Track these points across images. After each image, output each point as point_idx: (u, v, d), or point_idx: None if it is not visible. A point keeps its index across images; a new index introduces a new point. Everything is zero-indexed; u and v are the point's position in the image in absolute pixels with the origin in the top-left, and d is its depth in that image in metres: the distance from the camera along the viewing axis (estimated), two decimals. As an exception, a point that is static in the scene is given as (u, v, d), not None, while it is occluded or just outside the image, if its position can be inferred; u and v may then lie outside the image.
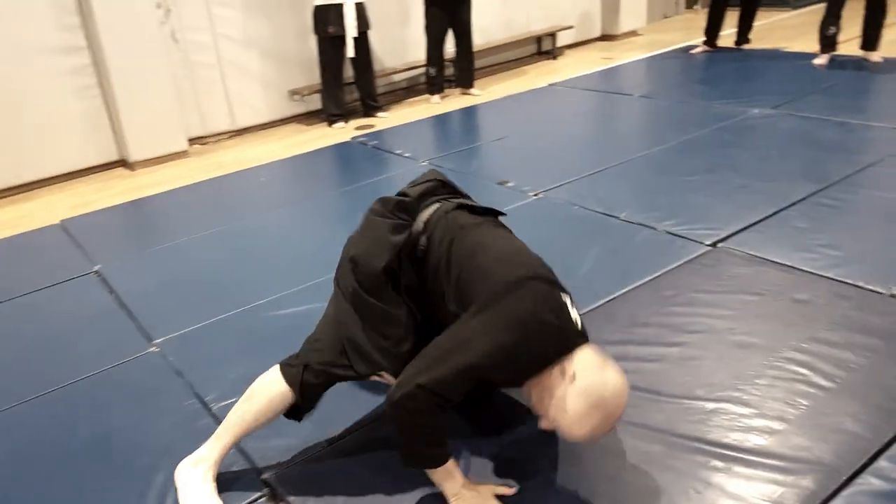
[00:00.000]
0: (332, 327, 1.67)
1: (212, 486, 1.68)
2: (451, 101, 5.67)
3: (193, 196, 4.12)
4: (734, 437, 1.69)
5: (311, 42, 5.39)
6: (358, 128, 5.20)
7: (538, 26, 6.92)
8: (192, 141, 5.17)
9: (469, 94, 5.78)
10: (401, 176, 3.94)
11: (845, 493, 1.50)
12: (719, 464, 1.61)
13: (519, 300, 1.43)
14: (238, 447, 1.79)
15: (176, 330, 2.53)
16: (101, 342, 2.53)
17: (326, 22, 5.03)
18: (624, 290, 2.40)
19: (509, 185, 3.57)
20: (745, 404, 1.80)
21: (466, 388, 1.44)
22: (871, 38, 5.20)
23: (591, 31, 7.48)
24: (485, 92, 5.81)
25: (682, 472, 1.60)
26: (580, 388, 1.37)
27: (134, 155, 4.83)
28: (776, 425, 1.71)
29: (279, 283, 2.77)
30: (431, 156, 4.24)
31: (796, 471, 1.56)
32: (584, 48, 7.33)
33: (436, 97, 5.72)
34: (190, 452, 1.76)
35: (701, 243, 2.69)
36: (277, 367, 1.67)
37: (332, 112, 5.31)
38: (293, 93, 5.55)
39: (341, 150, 4.68)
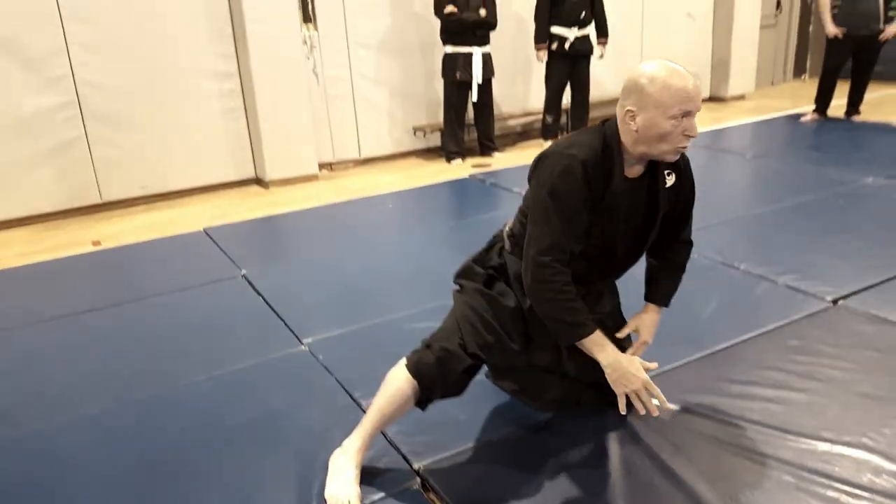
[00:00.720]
0: (450, 317, 1.94)
1: (355, 473, 1.85)
2: (563, 149, 5.93)
3: (326, 215, 4.50)
4: (864, 479, 1.80)
5: (437, 84, 5.80)
6: (474, 165, 5.53)
7: (648, 83, 7.13)
8: (321, 166, 5.62)
9: (580, 143, 6.03)
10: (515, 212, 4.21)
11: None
12: (842, 499, 1.73)
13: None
14: (389, 441, 2.03)
15: (323, 332, 2.81)
16: (256, 336, 2.85)
17: (455, 68, 5.42)
18: (748, 336, 2.54)
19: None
20: (873, 450, 1.90)
21: (576, 228, 1.72)
22: (854, 102, 5.16)
23: (703, 92, 7.62)
24: (595, 142, 6.03)
25: (805, 501, 1.72)
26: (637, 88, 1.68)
27: (270, 174, 5.30)
28: (904, 471, 1.81)
29: (412, 299, 3.04)
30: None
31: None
32: (692, 108, 7.47)
33: (549, 143, 5.98)
34: (341, 442, 2.00)
35: (822, 299, 2.79)
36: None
37: (451, 149, 5.67)
38: (416, 129, 5.95)
39: (460, 185, 5.01)
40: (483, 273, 1.97)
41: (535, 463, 1.95)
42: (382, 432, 2.07)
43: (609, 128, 1.77)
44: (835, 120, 6.20)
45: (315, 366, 2.58)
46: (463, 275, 2.03)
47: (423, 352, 1.87)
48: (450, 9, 5.26)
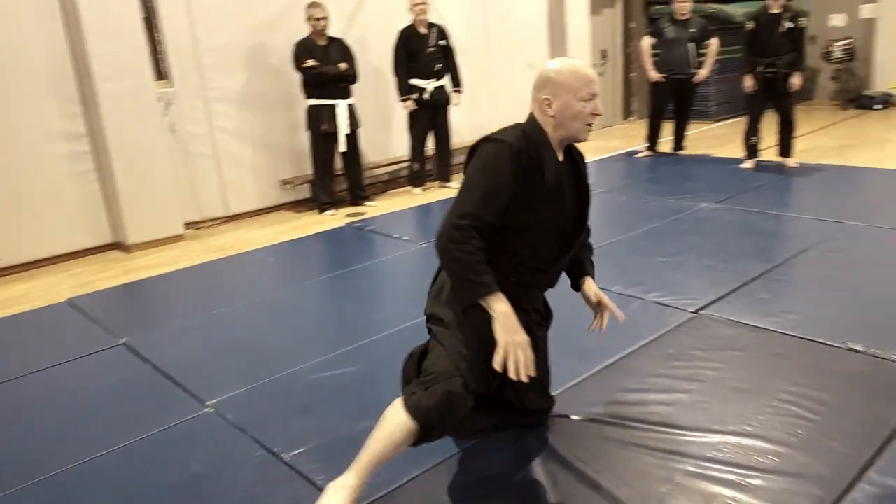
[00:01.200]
0: (440, 355, 1.94)
1: None
2: (432, 193, 6.18)
3: (200, 275, 4.37)
4: (752, 460, 2.07)
5: (301, 136, 5.84)
6: (349, 215, 5.60)
7: (500, 129, 7.64)
8: (187, 225, 5.42)
9: (447, 186, 6.32)
10: (405, 256, 4.35)
11: (847, 498, 1.89)
12: (740, 481, 1.99)
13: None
14: (319, 488, 2.04)
15: (226, 392, 2.75)
16: (155, 404, 2.72)
17: (320, 120, 5.51)
18: (631, 349, 2.83)
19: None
20: (754, 436, 2.20)
21: (495, 202, 1.86)
22: (786, 147, 6.08)
23: (544, 134, 8.27)
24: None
25: (713, 488, 1.96)
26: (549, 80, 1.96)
27: (131, 237, 5.04)
28: (781, 449, 2.12)
29: (312, 350, 3.05)
30: (430, 238, 4.64)
31: (804, 482, 1.96)
32: (539, 149, 8.07)
33: (418, 189, 6.23)
34: (273, 497, 1.97)
35: (686, 311, 3.17)
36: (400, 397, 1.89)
37: (324, 200, 5.71)
38: (285, 182, 5.93)
39: (339, 234, 5.06)
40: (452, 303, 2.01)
41: (464, 486, 2.04)
42: (311, 481, 2.08)
43: (528, 121, 2.01)
44: (665, 154, 7.00)
45: (225, 426, 2.52)
46: (435, 310, 2.07)
47: (423, 394, 1.85)
48: (310, 62, 5.37)
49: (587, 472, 2.07)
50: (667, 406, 2.39)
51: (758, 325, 2.98)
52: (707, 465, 2.06)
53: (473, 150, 1.98)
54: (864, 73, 9.79)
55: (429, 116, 6.05)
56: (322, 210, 5.71)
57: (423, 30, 5.91)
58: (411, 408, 1.84)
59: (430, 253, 4.29)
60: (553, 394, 2.39)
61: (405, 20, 5.99)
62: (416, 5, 5.82)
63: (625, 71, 9.60)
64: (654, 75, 6.72)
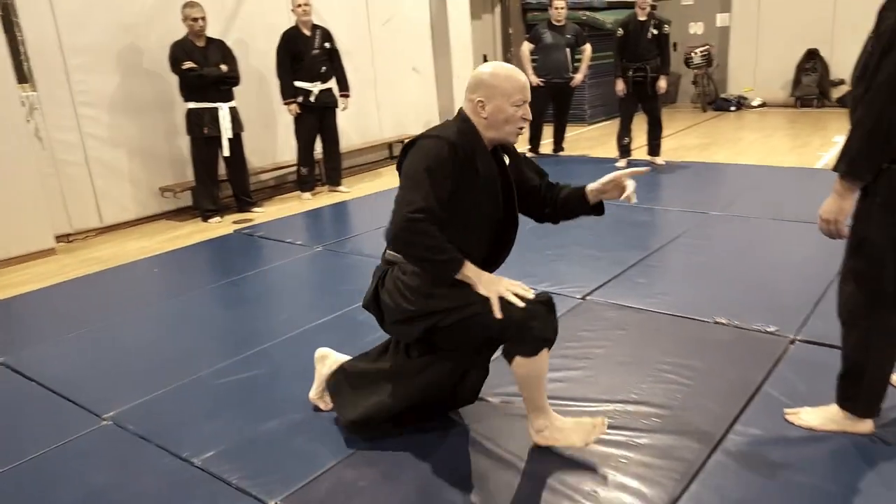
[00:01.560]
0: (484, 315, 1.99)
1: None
2: (322, 198, 6.15)
3: (78, 289, 4.15)
4: (640, 423, 2.27)
5: (181, 142, 5.65)
6: (235, 222, 5.46)
7: (388, 134, 7.74)
8: (59, 238, 5.09)
9: (338, 191, 6.31)
10: (300, 261, 4.32)
11: (721, 448, 2.13)
12: (629, 441, 2.18)
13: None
14: (236, 487, 2.04)
15: (125, 404, 2.64)
16: (47, 422, 2.58)
17: (201, 124, 5.35)
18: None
19: (404, 262, 4.09)
20: (638, 402, 2.41)
21: (442, 194, 1.93)
22: (654, 146, 6.58)
23: (430, 137, 8.44)
24: (352, 189, 6.37)
25: (606, 450, 2.14)
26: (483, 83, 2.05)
27: (-3, 253, 4.68)
28: (663, 411, 2.33)
29: (209, 357, 3.00)
30: (325, 241, 4.66)
31: (684, 437, 2.17)
32: (426, 152, 8.24)
33: (307, 194, 6.18)
34: (190, 499, 1.97)
35: (574, 297, 3.38)
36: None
37: (207, 208, 5.53)
38: (164, 190, 5.69)
39: (227, 241, 4.94)
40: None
41: (382, 479, 2.10)
42: (226, 481, 2.07)
43: (461, 119, 2.09)
44: (546, 155, 7.34)
45: (127, 437, 2.43)
46: (424, 306, 2.05)
47: (536, 327, 1.94)
48: (188, 64, 5.21)
49: (493, 448, 2.19)
50: (561, 382, 2.56)
51: (638, 306, 3.24)
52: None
53: (408, 147, 2.05)
54: (720, 77, 10.73)
55: (316, 120, 6.03)
56: (206, 218, 5.54)
57: (307, 31, 5.88)
58: (539, 340, 1.96)
59: (326, 256, 4.32)
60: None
61: (288, 21, 5.94)
62: (298, 6, 5.78)
63: (504, 76, 9.96)
64: (534, 80, 7.03)
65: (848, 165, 1.87)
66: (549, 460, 2.12)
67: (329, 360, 2.47)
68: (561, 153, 7.43)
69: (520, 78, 2.06)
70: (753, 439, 2.16)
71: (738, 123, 9.07)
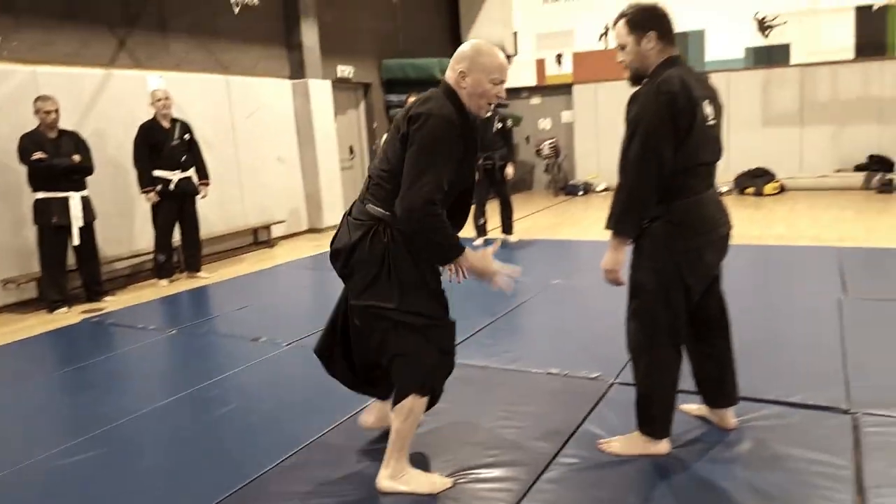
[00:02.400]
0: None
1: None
2: (180, 284, 6.05)
3: None
4: (480, 460, 2.44)
5: (27, 232, 5.43)
6: (84, 312, 5.24)
7: (254, 220, 7.80)
8: None
9: (197, 277, 6.24)
10: (152, 345, 4.24)
11: (544, 476, 2.34)
12: (470, 474, 2.34)
13: None
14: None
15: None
16: None
17: (50, 213, 5.20)
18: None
19: (262, 340, 4.13)
20: (477, 444, 2.58)
21: (453, 173, 2.10)
22: (507, 226, 7.09)
23: (300, 225, 8.59)
24: (212, 275, 6.32)
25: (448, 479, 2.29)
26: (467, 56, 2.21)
27: None
28: (498, 450, 2.52)
29: (51, 441, 2.88)
30: (180, 325, 4.59)
31: (516, 469, 2.37)
32: (295, 239, 8.36)
33: (164, 281, 6.05)
34: None
35: (424, 361, 3.56)
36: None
37: (53, 298, 5.30)
38: (7, 281, 5.40)
39: (74, 330, 4.73)
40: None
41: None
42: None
43: (446, 89, 2.22)
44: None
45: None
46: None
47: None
48: (38, 155, 5.11)
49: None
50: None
51: (482, 364, 3.48)
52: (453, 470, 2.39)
53: (422, 119, 2.10)
54: (569, 165, 11.78)
55: (175, 207, 6.03)
56: (52, 309, 5.28)
57: (166, 124, 5.96)
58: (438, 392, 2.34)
59: (180, 338, 4.26)
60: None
61: (147, 113, 6.00)
62: (158, 101, 5.89)
63: (370, 164, 10.38)
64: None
65: (614, 224, 2.27)
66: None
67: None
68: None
69: (500, 59, 2.22)
70: (574, 466, 2.40)
71: (584, 205, 9.93)
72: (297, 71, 8.44)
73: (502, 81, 2.23)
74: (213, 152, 7.05)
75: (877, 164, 9.75)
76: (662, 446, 2.43)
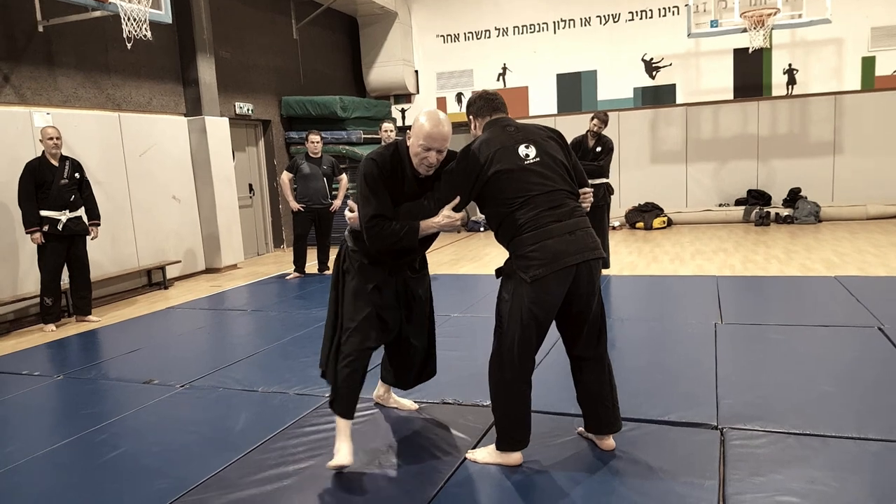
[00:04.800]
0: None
1: None
2: (69, 329, 5.74)
3: None
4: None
5: None
6: (-41, 361, 4.88)
7: (147, 262, 7.52)
8: None
9: (87, 320, 5.94)
10: (36, 391, 4.02)
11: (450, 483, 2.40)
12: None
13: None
14: None
15: None
16: None
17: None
18: (276, 432, 3.13)
19: (155, 382, 4.00)
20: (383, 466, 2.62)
21: (384, 198, 2.59)
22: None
23: (196, 265, 8.34)
24: (103, 318, 6.04)
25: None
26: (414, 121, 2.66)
27: None
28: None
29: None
30: (67, 370, 4.37)
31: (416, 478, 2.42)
32: (192, 280, 8.10)
33: (51, 326, 5.73)
34: None
35: (322, 396, 3.56)
36: None
37: (-77, 348, 4.91)
38: None
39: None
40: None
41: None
42: None
43: (398, 143, 2.69)
44: (312, 275, 7.63)
45: None
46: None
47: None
48: None
49: None
50: (306, 467, 2.70)
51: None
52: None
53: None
54: (470, 203, 12.04)
55: (63, 248, 5.74)
56: (-76, 358, 4.90)
57: (55, 162, 5.72)
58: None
59: (67, 384, 4.07)
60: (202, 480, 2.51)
61: (34, 152, 5.73)
62: (49, 139, 5.65)
63: (272, 202, 10.28)
64: (294, 205, 7.43)
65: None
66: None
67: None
68: (326, 272, 7.77)
69: (430, 130, 2.55)
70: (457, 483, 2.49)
71: (485, 242, 10.20)
72: (194, 107, 8.30)
73: (430, 148, 2.57)
74: (105, 191, 6.81)
75: (755, 198, 10.63)
76: (514, 458, 2.68)
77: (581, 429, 2.90)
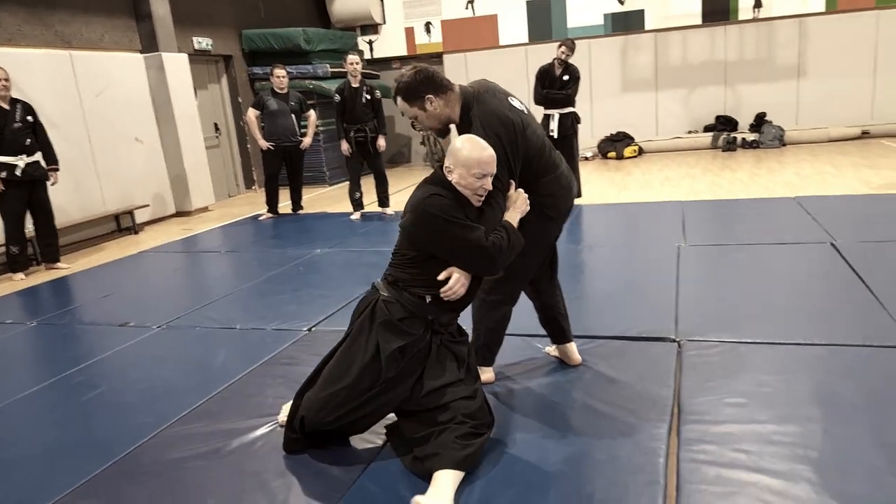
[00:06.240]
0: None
1: None
2: (38, 277, 5.72)
3: None
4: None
5: None
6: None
7: (114, 206, 7.43)
8: None
9: (56, 268, 5.91)
10: (9, 338, 4.06)
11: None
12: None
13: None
14: None
15: None
16: None
17: None
18: (255, 366, 3.23)
19: (131, 324, 4.05)
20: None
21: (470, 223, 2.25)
22: (383, 199, 7.21)
23: (166, 209, 8.25)
24: (72, 265, 6.01)
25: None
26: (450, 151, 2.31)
27: None
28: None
29: None
30: (40, 316, 4.39)
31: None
32: (162, 224, 8.04)
33: (20, 275, 5.69)
34: None
35: (301, 330, 3.66)
36: None
37: None
38: None
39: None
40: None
41: None
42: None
43: (442, 178, 2.30)
44: (286, 215, 7.61)
45: None
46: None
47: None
48: None
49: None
50: (284, 399, 2.80)
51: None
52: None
53: (418, 209, 2.24)
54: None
55: (24, 195, 5.64)
56: None
57: (6, 106, 5.55)
58: None
59: (41, 329, 4.10)
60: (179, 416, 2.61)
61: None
62: (-3, 82, 5.48)
63: (239, 142, 10.11)
64: (263, 144, 7.34)
65: None
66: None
67: None
68: (300, 212, 7.76)
69: (476, 155, 2.23)
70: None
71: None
72: (149, 44, 8.02)
73: (485, 175, 2.26)
74: (63, 135, 6.65)
75: (722, 124, 10.71)
76: (489, 375, 2.83)
77: (549, 348, 3.03)
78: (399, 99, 2.47)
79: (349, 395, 2.27)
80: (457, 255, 2.26)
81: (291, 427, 2.43)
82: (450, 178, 2.28)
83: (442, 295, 2.26)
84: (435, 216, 2.21)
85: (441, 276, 2.27)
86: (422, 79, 2.43)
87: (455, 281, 2.26)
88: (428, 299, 2.29)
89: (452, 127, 2.55)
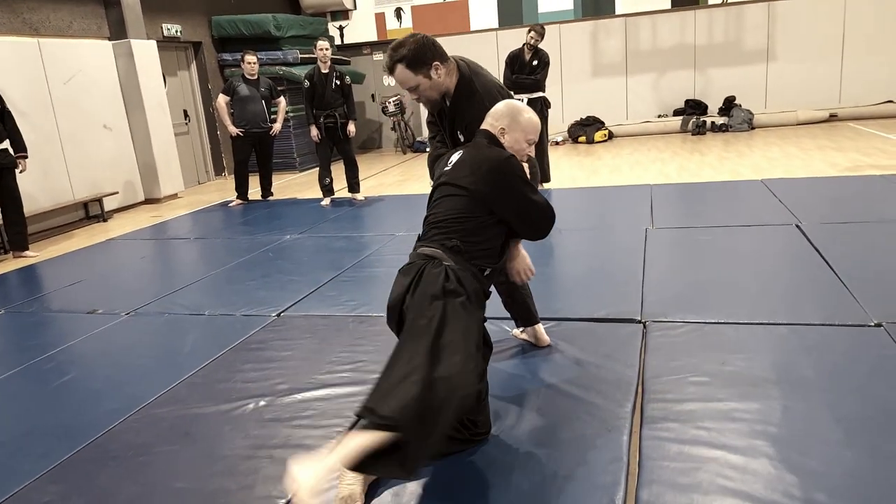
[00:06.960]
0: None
1: None
2: (6, 265, 5.63)
3: None
4: (309, 408, 2.61)
5: None
6: None
7: (82, 194, 7.31)
8: None
9: (24, 256, 5.82)
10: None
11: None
12: (308, 411, 2.51)
13: None
14: None
15: None
16: None
17: None
18: (224, 351, 3.22)
19: (99, 311, 4.01)
20: (323, 385, 2.75)
21: None
22: (353, 185, 7.18)
23: (135, 196, 8.14)
24: (41, 253, 5.92)
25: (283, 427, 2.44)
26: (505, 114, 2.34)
27: None
28: (347, 389, 2.70)
29: None
30: (8, 304, 4.34)
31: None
32: (131, 211, 7.94)
33: (-12, 264, 5.61)
34: None
35: (269, 316, 3.66)
36: None
37: None
38: None
39: None
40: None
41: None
42: None
43: (491, 140, 2.29)
44: (256, 202, 7.56)
45: None
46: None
47: None
48: None
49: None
50: (253, 383, 2.82)
51: (325, 314, 3.63)
52: (292, 411, 2.54)
53: (495, 170, 2.20)
54: (416, 122, 11.95)
55: (-11, 182, 5.55)
56: None
57: (-31, 92, 5.44)
58: None
59: (8, 318, 4.04)
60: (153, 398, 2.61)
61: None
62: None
63: (209, 128, 9.99)
64: (233, 130, 7.26)
65: None
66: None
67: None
68: (270, 198, 7.71)
69: (535, 120, 2.31)
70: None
71: (432, 161, 10.21)
72: (118, 30, 7.90)
73: (532, 142, 2.33)
74: (30, 123, 6.53)
75: (692, 108, 10.84)
76: None
77: (516, 331, 3.07)
78: (400, 67, 2.31)
79: (478, 358, 2.12)
80: (527, 217, 2.27)
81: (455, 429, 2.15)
82: (501, 140, 2.29)
83: (520, 277, 2.45)
84: (516, 176, 2.22)
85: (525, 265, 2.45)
86: (430, 44, 2.34)
87: (528, 262, 2.45)
88: (486, 272, 2.25)
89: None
